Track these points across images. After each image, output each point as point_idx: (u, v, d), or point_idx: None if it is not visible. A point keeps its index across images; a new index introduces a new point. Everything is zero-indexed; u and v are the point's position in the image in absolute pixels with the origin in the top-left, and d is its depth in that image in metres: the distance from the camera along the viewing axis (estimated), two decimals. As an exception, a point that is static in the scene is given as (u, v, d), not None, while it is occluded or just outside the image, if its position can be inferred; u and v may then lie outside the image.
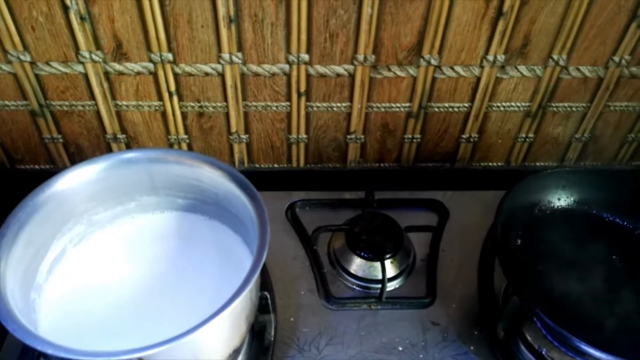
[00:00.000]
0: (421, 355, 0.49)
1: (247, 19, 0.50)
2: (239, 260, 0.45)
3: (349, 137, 0.61)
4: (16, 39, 0.50)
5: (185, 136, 0.59)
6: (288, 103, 0.57)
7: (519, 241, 0.53)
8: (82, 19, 0.49)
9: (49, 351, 0.32)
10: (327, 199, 0.60)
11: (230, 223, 0.47)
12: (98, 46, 0.51)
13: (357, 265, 0.53)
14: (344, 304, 0.51)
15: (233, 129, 0.59)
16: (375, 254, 0.53)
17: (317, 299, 0.52)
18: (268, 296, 0.47)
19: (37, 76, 0.53)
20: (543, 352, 0.48)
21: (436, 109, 0.59)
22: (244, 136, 0.60)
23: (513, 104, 0.59)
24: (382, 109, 0.59)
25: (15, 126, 0.56)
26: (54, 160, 0.60)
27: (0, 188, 0.59)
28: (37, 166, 0.61)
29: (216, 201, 0.46)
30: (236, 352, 0.44)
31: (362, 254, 0.53)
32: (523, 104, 0.59)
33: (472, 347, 0.50)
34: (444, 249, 0.57)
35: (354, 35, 0.52)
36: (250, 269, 0.37)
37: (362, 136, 0.61)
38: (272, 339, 0.47)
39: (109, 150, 0.60)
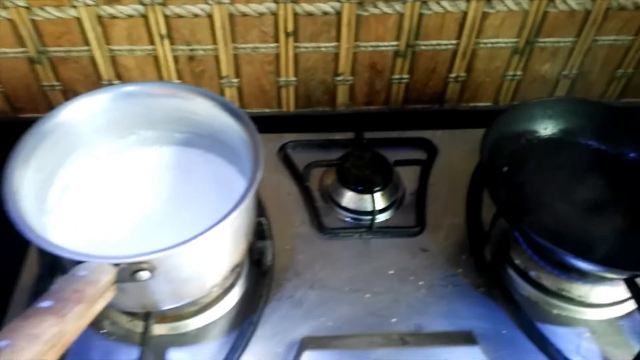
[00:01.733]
0: (411, 278, 0.51)
1: (232, -44, 0.51)
2: (235, 188, 0.47)
3: (337, 79, 0.62)
4: (10, -17, 0.51)
5: (178, 81, 0.61)
6: (276, 44, 0.59)
7: (505, 168, 0.54)
8: (72, -39, 0.50)
9: (66, 254, 0.34)
10: (318, 140, 0.61)
11: (225, 155, 0.49)
12: (89, -11, 0.52)
13: (348, 198, 0.55)
14: (336, 234, 0.53)
15: (224, 73, 0.61)
16: (365, 187, 0.55)
17: (311, 230, 0.54)
18: (265, 222, 0.49)
19: (33, 22, 0.54)
20: (530, 274, 0.50)
21: (423, 47, 0.60)
22: (234, 80, 0.61)
23: (500, 40, 0.60)
24: (370, 49, 0.60)
25: (16, 74, 0.58)
26: (53, 108, 0.62)
27: (3, 136, 0.61)
28: (37, 114, 0.62)
29: (211, 134, 0.48)
30: (237, 268, 0.47)
31: (353, 187, 0.55)
32: (510, 40, 0.60)
33: (460, 270, 0.52)
34: (432, 183, 0.58)
35: (339, -29, 0.53)
36: (248, 183, 0.39)
37: (351, 78, 0.62)
38: (270, 264, 0.50)
39: (105, 97, 0.61)
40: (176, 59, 0.59)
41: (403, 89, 0.64)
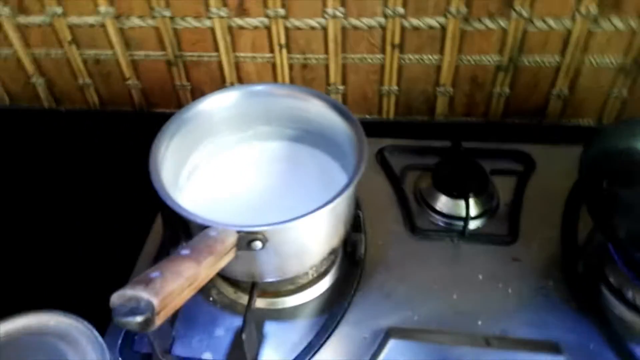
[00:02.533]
0: (500, 285, 0.52)
1: (351, -25, 0.57)
2: (337, 181, 0.52)
3: (438, 89, 0.65)
4: (161, -3, 0.61)
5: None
6: (382, 55, 0.63)
7: (605, 184, 0.54)
8: (213, -22, 0.58)
9: (199, 220, 0.40)
10: (415, 146, 0.64)
11: (331, 151, 0.54)
12: (225, 3, 0.60)
13: (441, 202, 0.57)
14: (428, 235, 0.56)
15: (332, 80, 0.66)
16: (459, 192, 0.57)
17: (403, 229, 0.57)
18: (361, 215, 0.53)
19: (174, 30, 0.63)
20: (626, 294, 0.49)
21: (526, 63, 0.61)
22: (340, 87, 0.67)
23: (606, 58, 0.60)
24: (472, 62, 0.62)
25: (154, 74, 0.68)
26: (181, 105, 0.70)
27: (140, 127, 0.71)
28: (168, 110, 0.72)
29: (320, 131, 0.53)
30: (333, 255, 0.51)
31: (447, 192, 0.57)
32: (616, 58, 0.60)
33: (550, 283, 0.52)
34: (528, 196, 0.59)
35: (448, -12, 0.56)
36: (352, 173, 0.43)
37: (451, 89, 0.65)
38: (362, 256, 0.53)
39: (226, 97, 0.69)
40: (291, 66, 0.65)
41: (503, 102, 0.65)
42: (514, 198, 0.59)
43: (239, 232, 0.40)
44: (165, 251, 0.55)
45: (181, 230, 0.51)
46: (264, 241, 0.41)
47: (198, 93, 0.70)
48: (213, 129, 0.53)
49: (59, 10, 0.63)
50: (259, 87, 0.52)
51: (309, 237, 0.44)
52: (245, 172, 0.54)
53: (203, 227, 0.41)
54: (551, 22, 0.57)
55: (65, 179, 0.66)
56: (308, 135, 0.55)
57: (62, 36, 0.65)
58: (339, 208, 0.44)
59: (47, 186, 0.65)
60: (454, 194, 0.57)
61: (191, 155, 0.52)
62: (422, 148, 0.64)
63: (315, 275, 0.52)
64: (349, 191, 0.43)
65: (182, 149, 0.51)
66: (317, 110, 0.51)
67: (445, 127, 0.68)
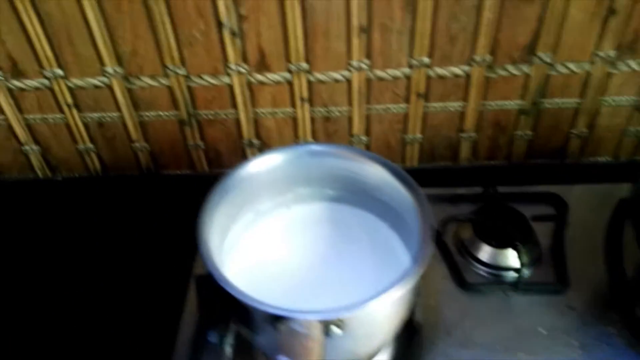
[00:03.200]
0: (563, 337, 0.50)
1: (377, 28, 0.55)
2: (391, 247, 0.50)
3: (461, 135, 0.65)
4: (175, 54, 0.57)
5: (312, 140, 0.65)
6: (407, 105, 0.62)
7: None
8: (233, 34, 0.55)
9: (273, 311, 0.36)
10: (446, 194, 0.63)
11: (375, 209, 0.51)
12: (245, 59, 0.57)
13: (486, 253, 0.56)
14: (479, 290, 0.54)
15: (355, 131, 0.64)
16: (505, 242, 0.55)
17: (453, 286, 0.54)
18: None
19: (189, 88, 0.59)
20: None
21: (548, 105, 0.62)
22: (363, 137, 0.65)
23: (622, 98, 0.62)
24: (495, 107, 0.62)
25: (164, 134, 0.63)
26: (194, 165, 0.66)
27: (147, 191, 0.66)
28: (178, 171, 0.67)
29: (364, 191, 0.50)
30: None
31: (491, 242, 0.56)
32: (632, 97, 0.61)
33: (610, 329, 0.51)
34: (567, 238, 0.58)
35: (473, 38, 0.56)
36: (418, 259, 0.41)
37: (475, 134, 0.64)
38: (421, 321, 0.50)
39: (243, 154, 0.65)
40: (313, 120, 0.63)
41: (525, 144, 0.65)
42: (554, 242, 0.58)
43: (321, 321, 0.36)
44: (203, 337, 0.50)
45: (234, 318, 0.46)
46: (342, 326, 0.37)
47: (212, 152, 0.65)
48: (253, 194, 0.49)
49: (59, 72, 0.58)
50: (316, 148, 0.50)
51: (386, 315, 0.41)
52: (288, 240, 0.51)
53: (275, 317, 0.37)
54: (572, 66, 0.59)
55: (69, 253, 0.59)
56: (350, 195, 0.52)
57: (62, 99, 0.60)
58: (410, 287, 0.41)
59: (50, 264, 0.58)
60: (497, 244, 0.56)
61: (231, 226, 0.48)
62: (454, 196, 0.63)
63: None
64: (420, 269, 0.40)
65: (223, 222, 0.46)
66: (371, 172, 0.48)
67: (469, 171, 0.67)
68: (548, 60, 0.58)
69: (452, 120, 0.63)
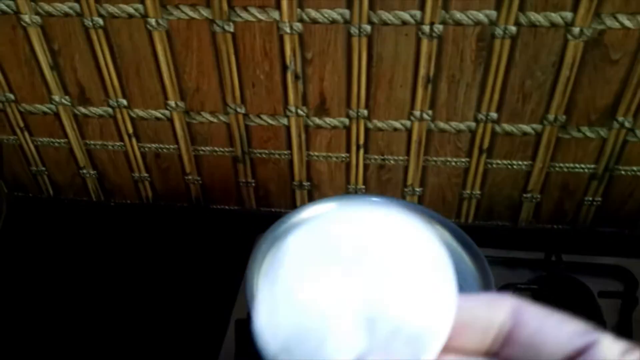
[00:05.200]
0: None
1: (445, 79, 0.53)
2: None
3: (524, 195, 0.61)
4: (237, 93, 0.57)
5: (363, 186, 0.63)
6: (468, 159, 0.59)
7: None
8: (296, 77, 0.55)
9: None
10: (503, 257, 0.59)
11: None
12: (304, 102, 0.56)
13: (544, 328, 0.51)
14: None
15: (409, 182, 0.62)
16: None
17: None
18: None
19: (246, 126, 0.59)
20: None
21: (622, 172, 0.58)
22: (417, 189, 0.62)
23: None
24: (565, 170, 0.58)
25: (218, 170, 0.63)
26: (242, 202, 0.66)
27: (194, 223, 0.66)
28: (226, 206, 0.67)
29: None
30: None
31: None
32: None
33: None
34: (635, 318, 0.53)
35: (548, 96, 0.53)
36: None
37: (539, 195, 0.61)
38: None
39: (292, 195, 0.64)
40: (366, 167, 0.61)
41: (593, 210, 0.61)
42: (620, 321, 0.53)
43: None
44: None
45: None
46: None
47: (262, 190, 0.64)
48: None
49: (123, 102, 0.59)
50: (373, 200, 0.48)
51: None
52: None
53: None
54: (653, 132, 0.54)
55: (112, 277, 0.59)
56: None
57: (123, 128, 0.61)
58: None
59: (93, 288, 0.58)
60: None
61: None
62: (513, 260, 0.59)
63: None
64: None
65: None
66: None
67: (529, 233, 0.63)
68: (628, 125, 0.54)
69: (515, 179, 0.60)
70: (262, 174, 0.63)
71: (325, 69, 0.54)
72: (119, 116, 0.60)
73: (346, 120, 0.57)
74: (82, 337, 0.54)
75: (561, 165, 0.58)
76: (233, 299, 0.57)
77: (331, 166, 0.61)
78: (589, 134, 0.55)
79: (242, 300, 0.56)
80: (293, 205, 0.66)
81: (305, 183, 0.63)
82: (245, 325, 0.46)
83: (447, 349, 0.18)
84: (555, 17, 0.48)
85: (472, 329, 0.18)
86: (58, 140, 0.63)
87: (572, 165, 0.58)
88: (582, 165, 0.58)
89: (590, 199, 0.60)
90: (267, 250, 0.44)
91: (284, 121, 0.58)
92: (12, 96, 0.60)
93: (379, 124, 0.57)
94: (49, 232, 0.65)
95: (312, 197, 0.64)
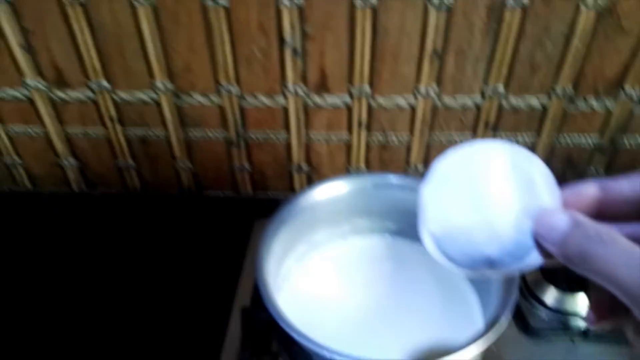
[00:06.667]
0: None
1: (452, 53, 0.51)
2: (455, 286, 0.46)
3: (529, 170, 0.60)
4: (231, 72, 0.53)
5: (364, 167, 0.60)
6: (472, 134, 0.57)
7: None
8: (295, 53, 0.51)
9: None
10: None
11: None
12: (304, 80, 0.53)
13: (552, 297, 0.51)
14: (544, 336, 0.49)
15: (412, 161, 0.60)
16: (573, 285, 0.51)
17: (515, 330, 0.50)
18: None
19: (241, 107, 0.55)
20: None
21: (627, 145, 0.57)
22: (421, 167, 0.60)
23: None
24: (570, 143, 0.57)
25: (210, 155, 0.59)
26: (237, 188, 0.62)
27: (186, 211, 0.62)
28: (220, 192, 0.63)
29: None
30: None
31: (559, 284, 0.51)
32: None
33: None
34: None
35: (557, 68, 0.52)
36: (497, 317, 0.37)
37: (543, 170, 0.60)
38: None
39: (290, 179, 0.61)
40: (368, 147, 0.58)
41: (596, 183, 0.61)
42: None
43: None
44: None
45: (283, 355, 0.42)
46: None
47: (258, 175, 0.61)
48: (309, 224, 0.45)
49: (105, 84, 0.54)
50: (386, 178, 0.46)
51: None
52: (344, 275, 0.47)
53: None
54: (659, 103, 0.54)
55: (101, 271, 0.56)
56: (412, 229, 0.48)
57: (105, 113, 0.56)
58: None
59: (82, 281, 0.54)
60: (566, 287, 0.51)
61: (285, 259, 0.44)
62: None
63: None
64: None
65: (278, 254, 0.42)
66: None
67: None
68: (635, 96, 0.53)
69: (520, 154, 0.59)
70: (258, 158, 0.60)
71: (326, 44, 0.51)
72: (100, 100, 0.55)
73: (348, 98, 0.54)
74: (81, 337, 0.51)
75: (566, 137, 0.57)
76: (234, 287, 0.54)
77: (331, 147, 0.59)
78: (595, 105, 0.54)
79: (245, 287, 0.53)
80: (291, 190, 0.63)
81: (304, 166, 0.60)
82: (250, 313, 0.44)
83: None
84: (569, -16, 0.46)
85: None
86: (34, 129, 0.58)
87: (576, 137, 0.57)
88: (587, 137, 0.57)
89: (593, 170, 0.60)
90: (275, 233, 0.41)
91: (282, 101, 0.55)
92: (-23, 81, 0.55)
93: (382, 101, 0.55)
94: (29, 228, 0.60)
95: (311, 180, 0.62)
